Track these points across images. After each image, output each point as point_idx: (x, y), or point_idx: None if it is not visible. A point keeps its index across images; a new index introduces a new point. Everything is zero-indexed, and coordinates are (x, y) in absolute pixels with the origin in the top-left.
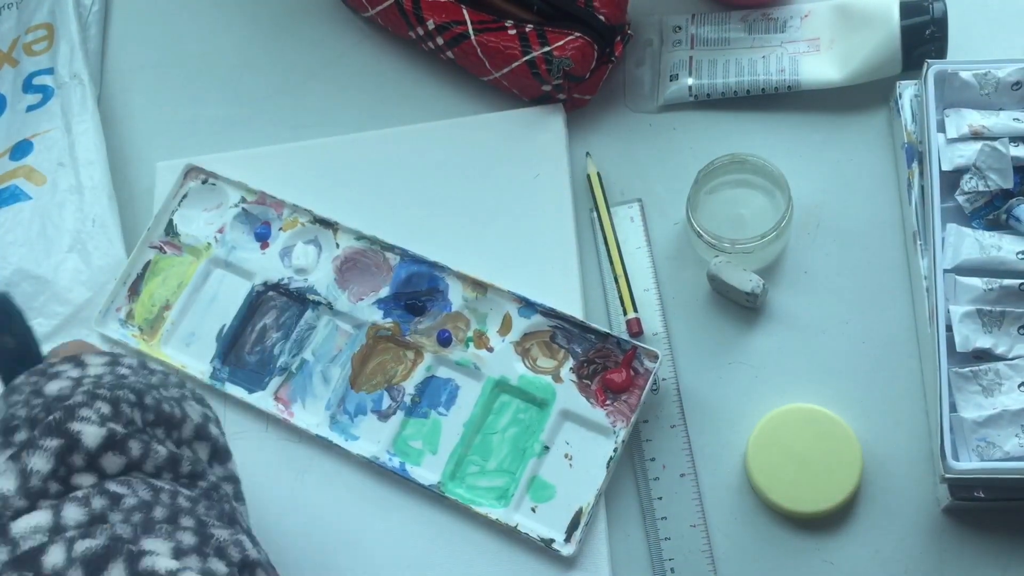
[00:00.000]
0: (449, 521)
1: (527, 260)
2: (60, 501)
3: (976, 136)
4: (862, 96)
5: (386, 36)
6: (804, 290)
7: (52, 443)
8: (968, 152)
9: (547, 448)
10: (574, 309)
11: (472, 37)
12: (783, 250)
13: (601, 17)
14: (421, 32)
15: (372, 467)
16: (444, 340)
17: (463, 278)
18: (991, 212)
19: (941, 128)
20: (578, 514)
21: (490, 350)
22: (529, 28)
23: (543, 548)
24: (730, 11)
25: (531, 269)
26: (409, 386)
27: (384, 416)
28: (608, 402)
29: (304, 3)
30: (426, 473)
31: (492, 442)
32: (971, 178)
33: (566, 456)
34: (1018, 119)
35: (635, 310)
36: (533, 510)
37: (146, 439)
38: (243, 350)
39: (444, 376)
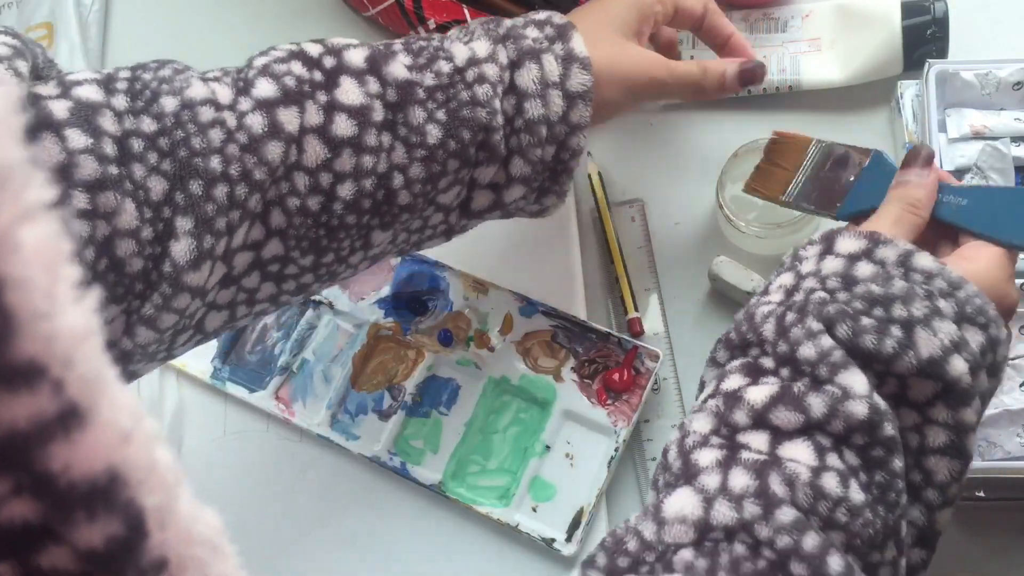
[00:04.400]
0: (450, 520)
1: (528, 259)
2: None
3: (977, 136)
4: (863, 96)
5: (387, 36)
6: None
7: (735, 381)
8: (969, 152)
9: (548, 448)
10: (575, 309)
11: None
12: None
13: None
14: (422, 32)
15: (373, 466)
16: (445, 339)
17: (464, 277)
18: None
19: (942, 128)
20: (579, 514)
21: (491, 349)
22: None
23: (544, 548)
24: (731, 11)
25: (532, 269)
26: (410, 385)
27: (385, 415)
28: (609, 402)
29: (304, 3)
30: (427, 472)
31: (493, 441)
32: (972, 178)
33: (567, 456)
34: (1019, 119)
35: (636, 310)
36: (534, 510)
37: (835, 393)
38: (244, 349)
39: (445, 375)
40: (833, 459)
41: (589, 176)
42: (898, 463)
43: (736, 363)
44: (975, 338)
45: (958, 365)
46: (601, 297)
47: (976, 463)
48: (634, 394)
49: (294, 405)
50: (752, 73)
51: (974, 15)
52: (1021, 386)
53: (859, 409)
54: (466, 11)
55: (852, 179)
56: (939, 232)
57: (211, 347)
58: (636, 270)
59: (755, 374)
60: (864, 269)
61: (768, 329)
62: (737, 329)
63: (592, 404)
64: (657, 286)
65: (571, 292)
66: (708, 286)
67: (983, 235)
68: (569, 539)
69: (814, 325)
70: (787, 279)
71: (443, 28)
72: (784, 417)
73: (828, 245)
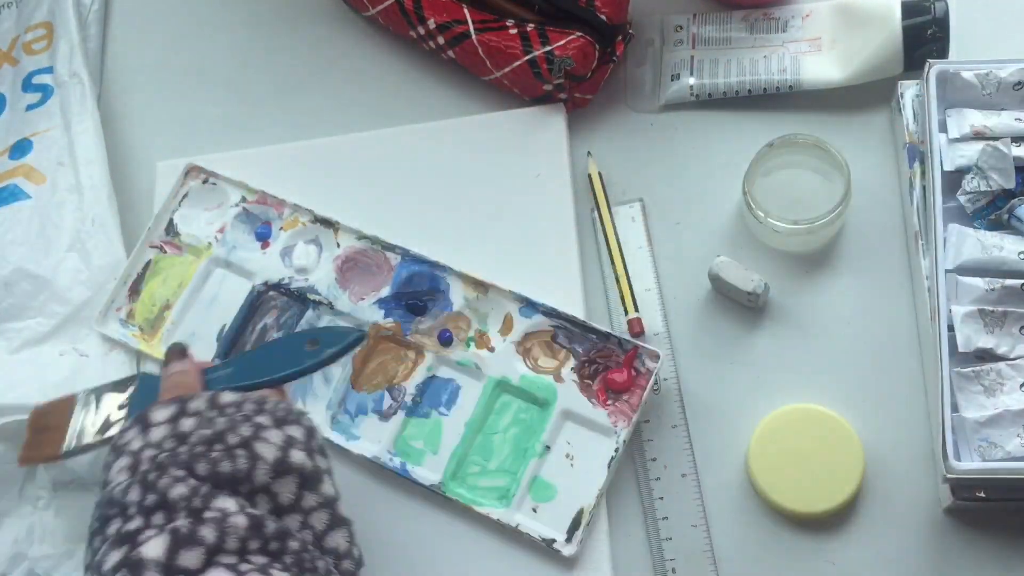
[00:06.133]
0: (450, 521)
1: (528, 260)
2: None
3: (978, 136)
4: (863, 96)
5: (387, 35)
6: (805, 290)
7: (115, 556)
8: (970, 152)
9: (548, 448)
10: (575, 309)
11: (473, 36)
12: (835, 235)
13: (602, 17)
14: (422, 31)
15: (373, 467)
16: (445, 340)
17: (464, 278)
18: (993, 212)
19: (943, 128)
20: (579, 514)
21: (491, 350)
22: (530, 27)
23: (544, 548)
24: (731, 11)
25: (532, 269)
26: (410, 386)
27: (385, 416)
28: (609, 402)
29: (304, 3)
30: (427, 473)
31: (493, 442)
32: (973, 178)
33: (567, 456)
34: (1020, 119)
35: (636, 310)
36: (534, 510)
37: (216, 516)
38: (244, 350)
39: (445, 376)
40: (246, 567)
41: (589, 176)
42: (294, 543)
43: (105, 544)
44: (297, 432)
45: (297, 455)
46: (601, 297)
47: (978, 463)
48: (634, 394)
49: None
50: None
51: (974, 15)
52: (1022, 386)
53: (240, 520)
54: (466, 11)
55: (124, 406)
56: None
57: (211, 347)
58: (637, 270)
59: (128, 538)
60: (187, 423)
61: (134, 494)
62: (94, 516)
63: (592, 404)
64: (657, 286)
65: (571, 292)
66: (708, 286)
67: (255, 384)
68: (569, 540)
69: (177, 472)
70: (124, 462)
71: (443, 28)
72: (189, 558)
73: (144, 423)
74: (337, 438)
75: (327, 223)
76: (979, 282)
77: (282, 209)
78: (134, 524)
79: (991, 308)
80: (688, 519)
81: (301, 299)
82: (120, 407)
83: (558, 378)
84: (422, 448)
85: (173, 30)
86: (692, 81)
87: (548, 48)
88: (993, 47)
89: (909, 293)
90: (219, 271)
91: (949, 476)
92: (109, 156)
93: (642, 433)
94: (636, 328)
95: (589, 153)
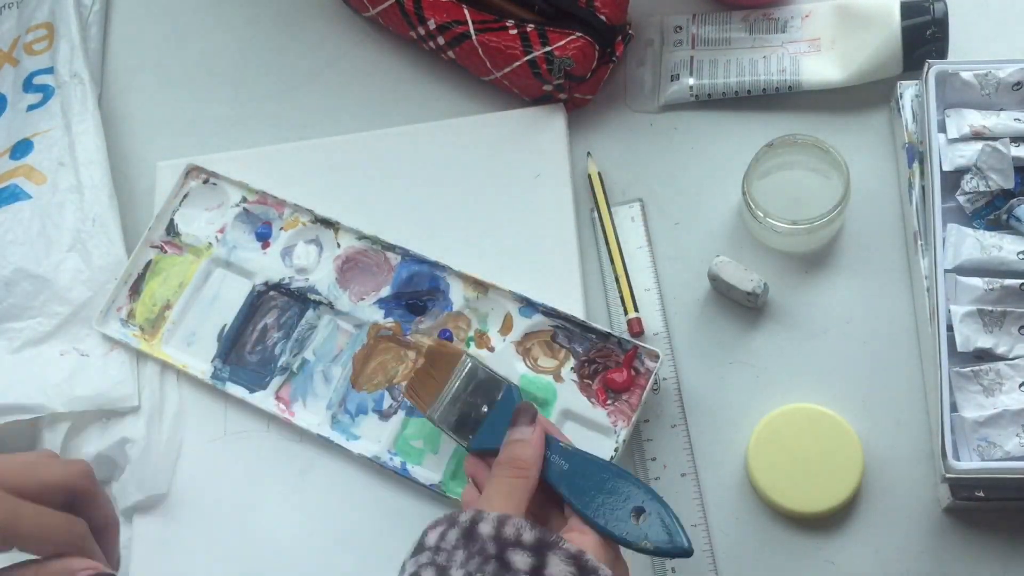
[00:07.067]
0: None
1: (528, 260)
2: None
3: (977, 136)
4: (863, 96)
5: (387, 36)
6: (805, 290)
7: None
8: (969, 152)
9: None
10: (575, 309)
11: (473, 37)
12: (835, 234)
13: (602, 17)
14: (422, 32)
15: (373, 467)
16: (445, 340)
17: (464, 278)
18: (992, 212)
19: (942, 128)
20: None
21: (491, 350)
22: (530, 28)
23: None
24: (731, 11)
25: (532, 269)
26: None
27: (385, 416)
28: (609, 402)
29: (305, 3)
30: (427, 473)
31: None
32: (972, 178)
33: None
34: (1019, 119)
35: (636, 310)
36: None
37: None
38: (244, 350)
39: None
40: None
41: (589, 176)
42: None
43: None
44: None
45: None
46: (601, 297)
47: (977, 463)
48: (634, 394)
49: (294, 405)
50: None
51: (974, 15)
52: (1021, 386)
53: None
54: (466, 11)
55: (486, 410)
56: (546, 489)
57: (211, 347)
58: (636, 270)
59: None
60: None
61: None
62: None
63: (592, 404)
64: (657, 286)
65: (571, 292)
66: (708, 286)
67: (577, 511)
68: None
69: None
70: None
71: (443, 28)
72: None
73: (541, 559)
74: (337, 438)
75: (327, 223)
76: (978, 282)
77: (282, 209)
78: None
79: (990, 308)
80: (687, 518)
81: (301, 299)
82: (483, 407)
83: (558, 378)
84: (422, 448)
85: (173, 31)
86: (692, 81)
87: (548, 48)
88: (992, 47)
89: (908, 293)
90: (219, 271)
91: (948, 476)
92: (110, 156)
93: (641, 433)
94: (636, 328)
95: (589, 153)
